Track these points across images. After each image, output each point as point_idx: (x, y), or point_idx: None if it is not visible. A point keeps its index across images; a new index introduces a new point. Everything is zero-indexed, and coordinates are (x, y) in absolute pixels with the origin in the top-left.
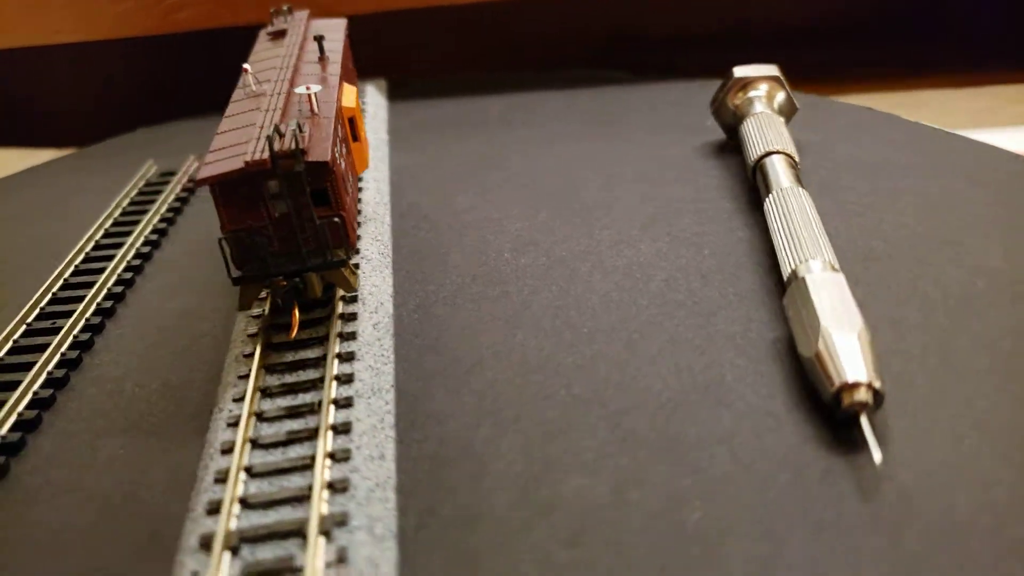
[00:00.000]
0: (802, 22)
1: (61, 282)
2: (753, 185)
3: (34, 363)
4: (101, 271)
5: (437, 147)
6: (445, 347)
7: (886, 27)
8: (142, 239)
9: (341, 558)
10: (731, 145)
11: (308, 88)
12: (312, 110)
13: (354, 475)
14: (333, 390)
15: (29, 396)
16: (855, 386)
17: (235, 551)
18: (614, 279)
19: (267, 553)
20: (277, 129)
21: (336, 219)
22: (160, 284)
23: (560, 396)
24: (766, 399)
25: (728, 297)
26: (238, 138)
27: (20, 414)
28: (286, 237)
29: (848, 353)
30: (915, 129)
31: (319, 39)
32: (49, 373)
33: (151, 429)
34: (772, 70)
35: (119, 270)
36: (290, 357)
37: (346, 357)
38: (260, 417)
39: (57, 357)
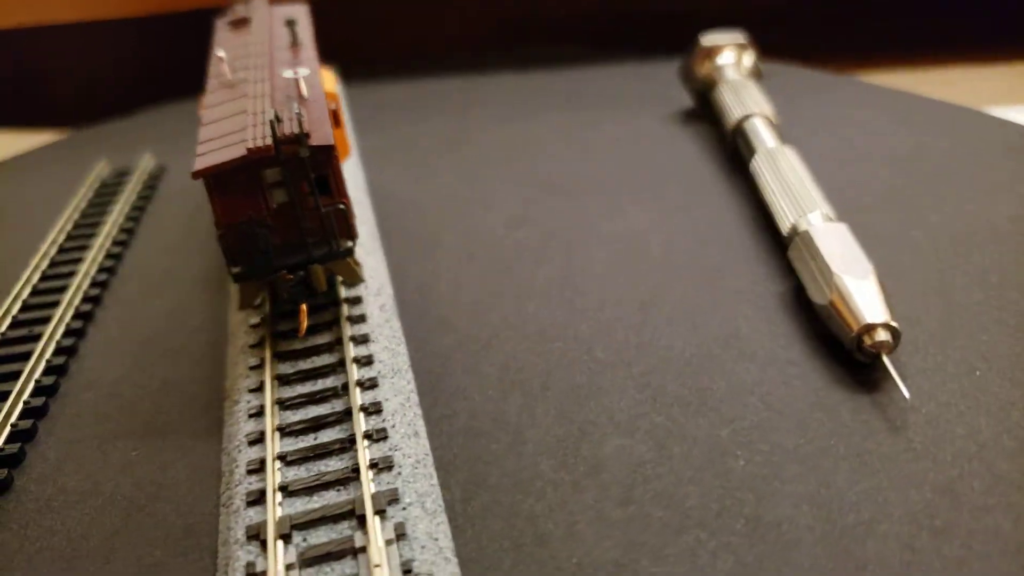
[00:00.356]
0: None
1: (30, 288)
2: (733, 148)
3: (19, 372)
4: (72, 275)
5: (403, 129)
6: (455, 324)
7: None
8: (110, 240)
9: (400, 534)
10: (700, 112)
11: (296, 72)
12: (300, 95)
13: (396, 453)
14: (355, 372)
15: (20, 406)
16: (875, 327)
17: (287, 538)
18: (613, 247)
19: (321, 537)
20: (276, 114)
21: (341, 206)
22: (138, 284)
23: (584, 362)
24: (785, 348)
25: (728, 257)
26: (230, 127)
27: (14, 425)
28: (288, 228)
29: (864, 297)
30: (888, 94)
31: (291, 24)
32: (37, 381)
33: (162, 428)
34: (738, 37)
35: (92, 272)
36: (300, 345)
37: (360, 339)
38: (282, 405)
39: (43, 365)
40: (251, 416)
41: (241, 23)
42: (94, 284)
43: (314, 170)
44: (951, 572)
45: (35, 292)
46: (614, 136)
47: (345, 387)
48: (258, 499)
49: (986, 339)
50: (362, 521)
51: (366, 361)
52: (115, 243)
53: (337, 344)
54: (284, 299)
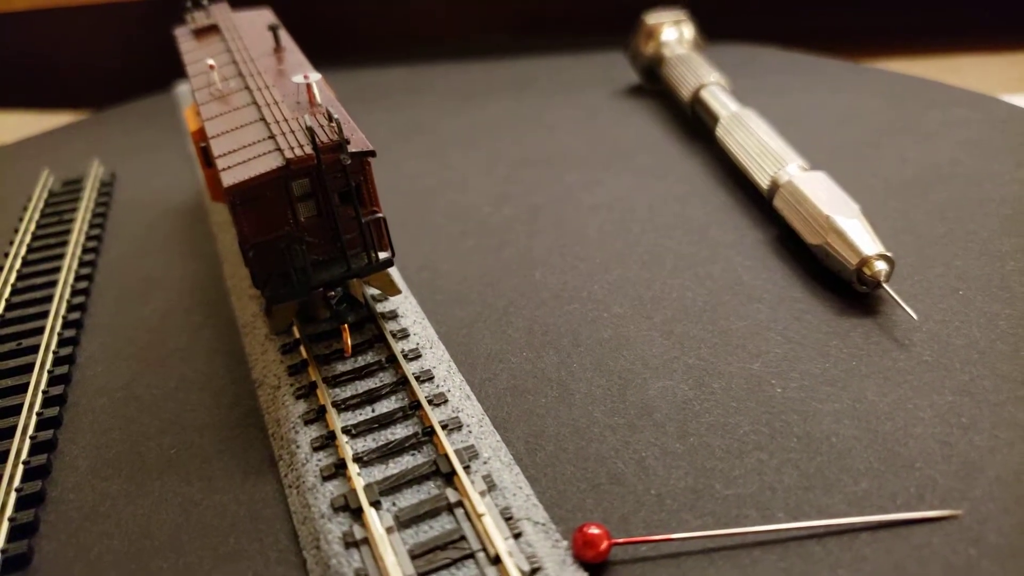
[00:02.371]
0: None
1: (3, 303)
2: (692, 117)
3: (24, 384)
4: (48, 285)
5: (358, 120)
6: (469, 297)
7: None
8: (80, 249)
9: (491, 485)
10: (648, 88)
11: (307, 77)
12: (312, 100)
13: (460, 415)
14: (396, 345)
15: (34, 418)
16: (872, 259)
17: (376, 505)
18: (601, 215)
19: (410, 499)
20: (308, 122)
21: (380, 215)
22: (121, 290)
23: (605, 318)
24: (787, 288)
25: (710, 214)
26: (250, 138)
27: (33, 437)
28: (326, 242)
29: (857, 233)
30: (830, 65)
31: (274, 29)
32: (45, 392)
33: (194, 424)
34: (679, 14)
35: (70, 281)
36: (326, 326)
37: (390, 315)
38: (330, 383)
39: (46, 376)
40: (299, 397)
41: (207, 31)
42: (75, 292)
43: (352, 179)
44: (987, 459)
45: (10, 307)
46: (571, 116)
47: (389, 360)
48: (334, 473)
49: (959, 264)
50: (448, 479)
51: (402, 335)
52: (85, 251)
53: (369, 321)
54: (323, 319)
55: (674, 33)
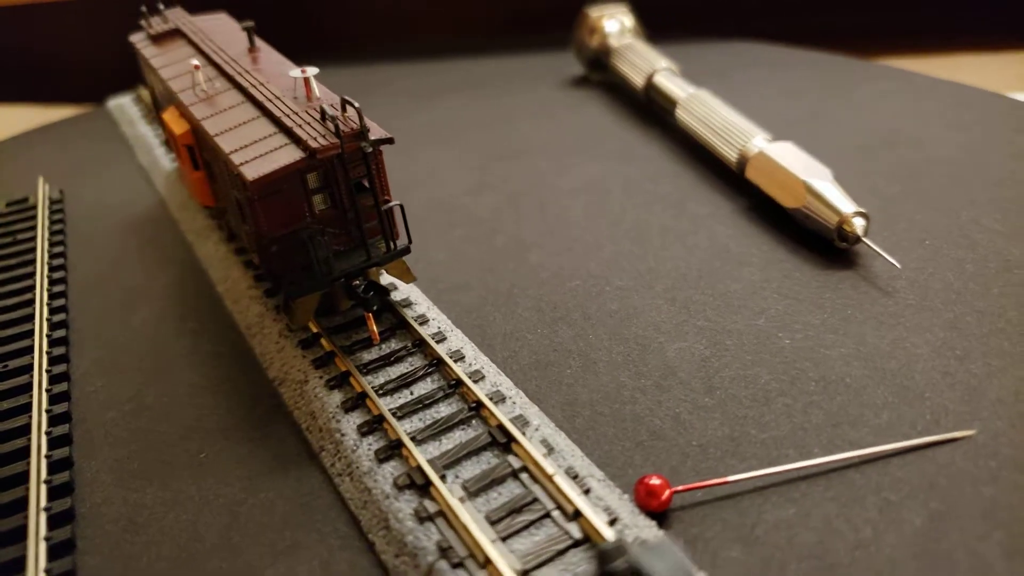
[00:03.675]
0: None
1: None
2: (647, 102)
3: (25, 405)
4: (21, 306)
5: None
6: (470, 283)
7: None
8: (47, 267)
9: (550, 449)
10: (594, 79)
11: (304, 71)
12: (309, 95)
13: (500, 388)
14: (425, 329)
15: (44, 438)
16: (851, 216)
17: (442, 480)
18: (580, 197)
19: (472, 470)
20: (323, 112)
21: (397, 203)
22: (102, 304)
23: (608, 291)
24: (772, 251)
25: (683, 189)
26: (258, 132)
27: (49, 455)
28: (342, 232)
29: (834, 194)
30: (764, 50)
31: (249, 30)
32: (48, 411)
33: (218, 427)
34: (621, 7)
35: (45, 299)
36: (340, 320)
37: (405, 303)
38: (361, 371)
39: (45, 395)
40: (332, 388)
41: (169, 36)
42: (53, 311)
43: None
44: (985, 384)
45: None
46: (528, 110)
47: (416, 344)
48: (389, 455)
49: (920, 218)
50: (506, 448)
51: (422, 321)
52: (52, 269)
53: (386, 311)
54: (343, 310)
55: (616, 24)
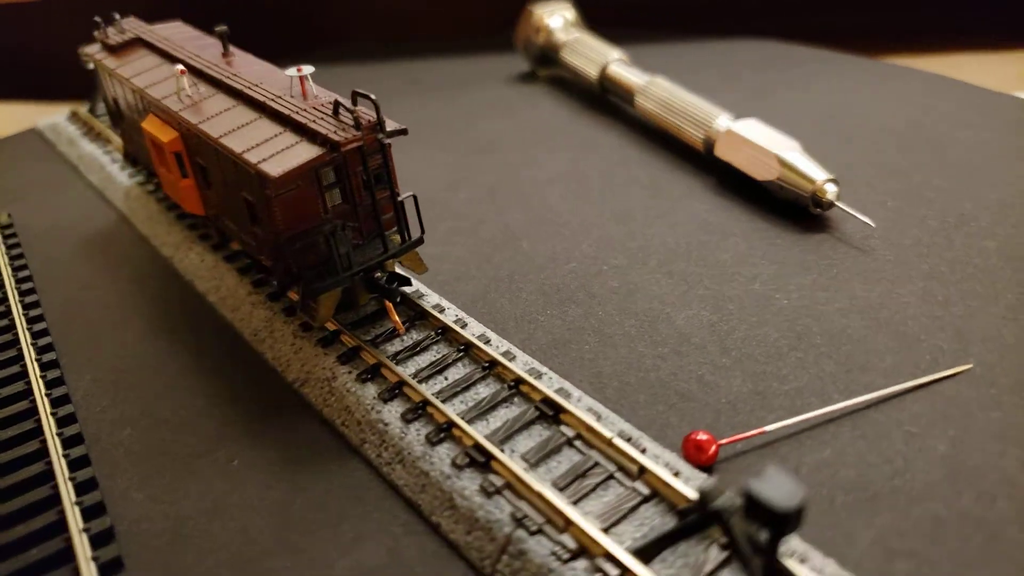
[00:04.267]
0: None
1: None
2: (601, 93)
3: (33, 431)
4: (6, 330)
5: None
6: (469, 273)
7: None
8: (17, 293)
9: (598, 416)
10: (541, 75)
11: (300, 70)
12: (305, 94)
13: (534, 365)
14: (445, 318)
15: (63, 461)
16: (824, 183)
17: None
18: (557, 186)
19: (528, 443)
20: (337, 105)
21: (411, 194)
22: (86, 324)
23: (606, 271)
24: (751, 221)
25: (653, 173)
26: (265, 132)
27: (72, 478)
28: (365, 224)
29: (805, 164)
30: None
31: (223, 35)
32: (60, 434)
33: (244, 434)
34: (562, 3)
35: (25, 325)
36: (353, 317)
37: (417, 296)
38: (392, 361)
39: (51, 419)
40: (364, 381)
41: (130, 46)
42: (35, 335)
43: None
44: (970, 324)
45: None
46: (484, 108)
47: (439, 332)
48: (441, 437)
49: (877, 183)
50: (554, 419)
51: (440, 309)
52: (23, 294)
53: (402, 303)
54: (363, 304)
55: (559, 20)
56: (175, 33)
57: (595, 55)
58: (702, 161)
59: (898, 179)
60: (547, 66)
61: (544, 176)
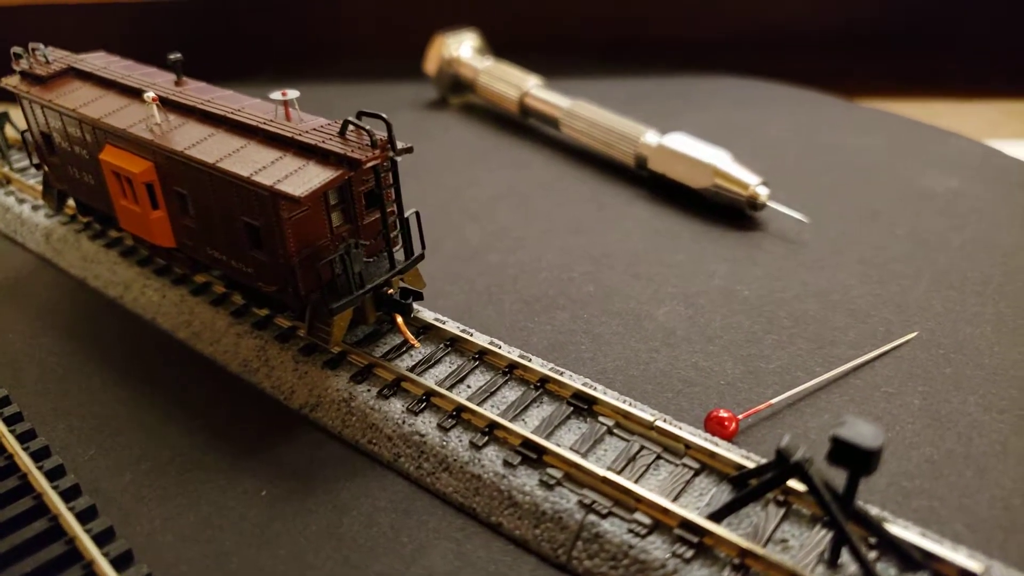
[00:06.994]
0: (817, 30)
1: None
2: (522, 117)
3: (22, 487)
4: None
5: None
6: (444, 290)
7: (899, 40)
8: None
9: (630, 404)
10: (453, 102)
11: (284, 94)
12: (288, 116)
13: (554, 367)
14: (452, 327)
15: (70, 514)
16: (757, 186)
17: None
18: (504, 203)
19: (571, 435)
20: (345, 125)
21: (415, 212)
22: (43, 372)
23: (577, 277)
24: (692, 225)
25: (591, 188)
26: (265, 156)
27: (88, 530)
28: (373, 242)
29: (738, 170)
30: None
31: (176, 64)
32: (55, 487)
33: (266, 464)
34: (471, 32)
35: None
36: (351, 338)
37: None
38: (411, 369)
39: (38, 472)
40: (386, 397)
41: (65, 77)
42: None
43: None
44: (906, 296)
45: None
46: (405, 134)
47: (449, 343)
48: (485, 441)
49: (793, 183)
50: (589, 412)
51: (442, 321)
52: None
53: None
54: (372, 321)
55: (468, 49)
56: (110, 62)
57: (515, 80)
58: (632, 174)
59: (810, 176)
60: (458, 93)
61: (486, 195)
